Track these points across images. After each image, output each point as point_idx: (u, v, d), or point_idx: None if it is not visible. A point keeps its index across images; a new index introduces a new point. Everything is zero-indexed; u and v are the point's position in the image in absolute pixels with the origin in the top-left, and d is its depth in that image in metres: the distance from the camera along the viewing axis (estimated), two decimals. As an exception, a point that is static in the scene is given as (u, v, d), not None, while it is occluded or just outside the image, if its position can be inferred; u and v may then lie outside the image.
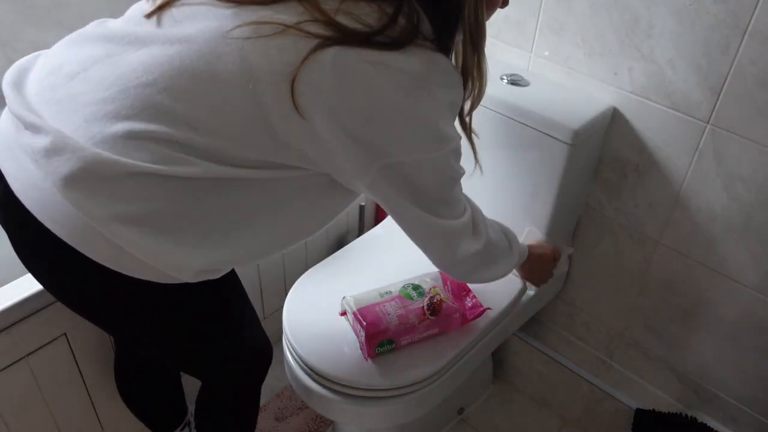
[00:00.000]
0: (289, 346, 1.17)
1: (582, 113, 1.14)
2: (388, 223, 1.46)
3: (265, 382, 1.63)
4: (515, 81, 1.21)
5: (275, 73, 0.71)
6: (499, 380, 1.68)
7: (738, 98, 1.03)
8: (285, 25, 0.71)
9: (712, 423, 1.33)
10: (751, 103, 1.02)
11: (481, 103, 1.19)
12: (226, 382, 1.10)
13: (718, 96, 1.05)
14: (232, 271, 1.00)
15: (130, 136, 0.73)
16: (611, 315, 1.43)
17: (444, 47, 0.80)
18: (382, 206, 0.88)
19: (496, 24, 1.29)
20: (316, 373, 1.11)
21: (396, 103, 0.75)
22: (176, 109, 0.73)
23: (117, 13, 0.85)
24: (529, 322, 1.49)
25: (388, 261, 1.34)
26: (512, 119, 1.17)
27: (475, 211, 0.98)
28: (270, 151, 0.76)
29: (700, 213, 1.17)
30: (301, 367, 1.14)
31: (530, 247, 1.18)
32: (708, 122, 1.08)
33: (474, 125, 1.11)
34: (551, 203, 1.19)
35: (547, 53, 1.24)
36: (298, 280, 1.28)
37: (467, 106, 0.89)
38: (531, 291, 1.30)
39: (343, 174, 0.81)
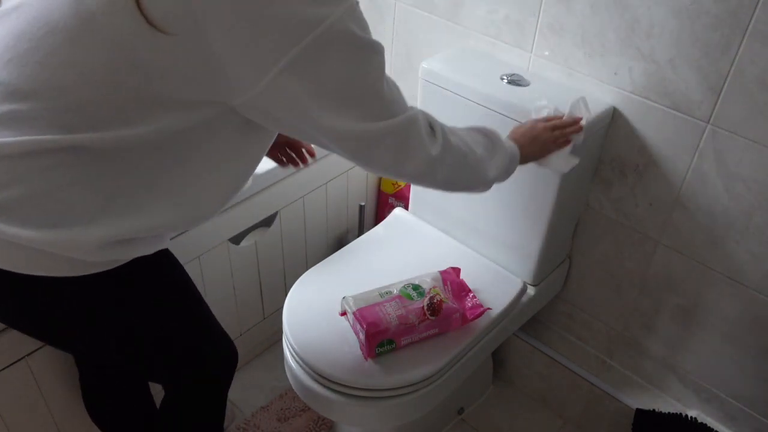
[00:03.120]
0: (289, 346, 1.17)
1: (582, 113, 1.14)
2: (388, 223, 1.46)
3: (267, 383, 1.64)
4: (515, 81, 1.21)
5: (111, 1, 0.65)
6: (499, 380, 1.68)
7: (738, 98, 1.03)
8: None
9: (712, 423, 1.33)
10: (751, 103, 1.02)
11: (481, 102, 1.20)
12: (190, 381, 1.05)
13: (718, 96, 1.05)
14: (180, 269, 0.96)
15: None
16: (611, 315, 1.43)
17: None
18: (286, 129, 0.77)
19: (496, 24, 1.29)
20: (316, 373, 1.11)
21: None
22: (20, 79, 0.68)
23: None
24: (529, 322, 1.49)
25: (388, 261, 1.34)
26: (512, 119, 1.17)
27: (427, 114, 0.88)
28: (146, 91, 0.69)
29: (700, 213, 1.17)
30: (301, 367, 1.14)
31: (515, 138, 1.05)
32: (708, 122, 1.08)
33: (474, 125, 1.09)
34: (551, 203, 1.19)
35: (547, 53, 1.24)
36: (298, 280, 1.28)
37: None
38: (531, 291, 1.29)
39: (236, 91, 0.70)
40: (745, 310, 1.20)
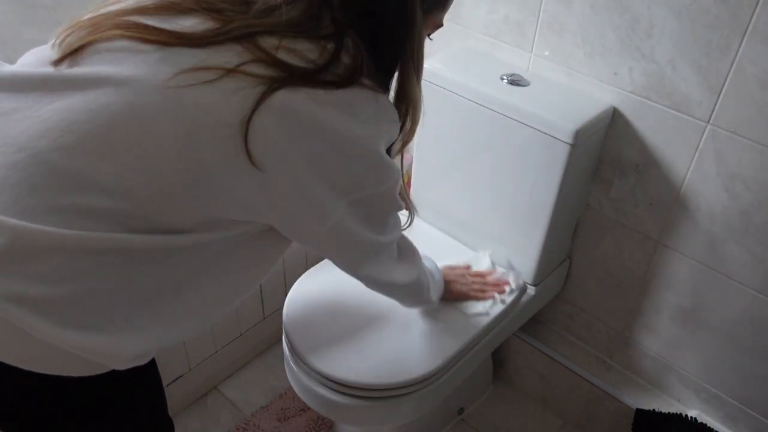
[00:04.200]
0: (289, 346, 1.17)
1: (582, 113, 1.14)
2: (388, 223, 1.46)
3: (267, 383, 1.64)
4: (515, 81, 1.21)
5: (221, 125, 0.65)
6: (499, 380, 1.68)
7: (738, 98, 1.03)
8: (226, 69, 0.65)
9: (712, 423, 1.33)
10: (751, 103, 1.02)
11: (481, 103, 1.20)
12: None
13: (718, 96, 1.05)
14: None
15: (51, 210, 0.64)
16: (611, 315, 1.43)
17: (383, 85, 0.78)
18: (325, 251, 0.90)
19: (496, 24, 1.29)
20: (316, 373, 1.11)
21: (349, 144, 0.72)
22: (99, 173, 0.65)
23: None
24: (529, 322, 1.49)
25: (388, 261, 1.34)
26: (512, 119, 1.17)
27: (410, 245, 1.05)
28: (209, 209, 0.70)
29: (700, 213, 1.17)
30: (301, 368, 1.14)
31: (445, 276, 1.22)
32: (708, 122, 1.08)
33: (474, 125, 1.10)
34: (551, 203, 1.19)
35: (547, 53, 1.24)
36: (298, 280, 1.28)
37: (399, 143, 0.87)
38: (531, 291, 1.29)
39: (293, 223, 0.77)
40: (745, 310, 1.20)
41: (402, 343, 1.15)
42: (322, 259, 1.34)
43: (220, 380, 1.64)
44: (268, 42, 0.68)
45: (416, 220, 1.45)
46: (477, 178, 1.31)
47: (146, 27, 0.69)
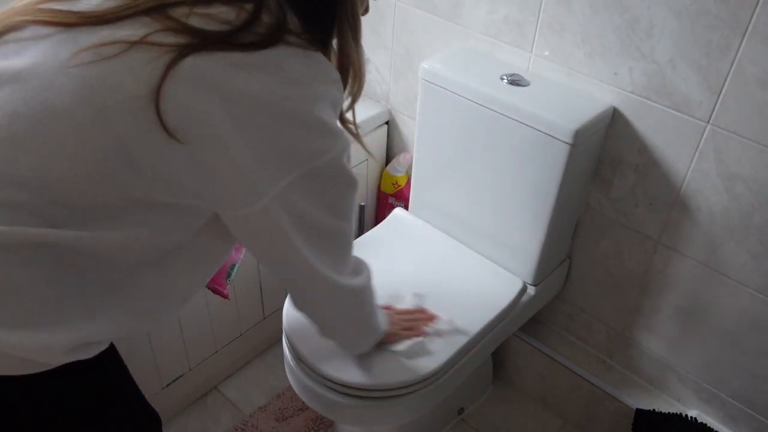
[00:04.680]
0: (289, 346, 1.17)
1: (582, 113, 1.14)
2: (388, 223, 1.46)
3: (267, 383, 1.64)
4: (515, 81, 1.21)
5: (130, 98, 0.62)
6: (499, 380, 1.68)
7: (738, 98, 1.03)
8: (131, 42, 0.62)
9: (712, 423, 1.33)
10: (751, 103, 1.02)
11: (481, 103, 1.20)
12: None
13: (718, 96, 1.05)
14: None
15: None
16: (611, 315, 1.43)
17: (320, 44, 0.72)
18: (262, 246, 0.79)
19: (496, 24, 1.29)
20: (316, 373, 1.11)
21: (277, 108, 0.66)
22: (14, 167, 0.64)
23: None
24: (529, 322, 1.49)
25: (388, 261, 1.34)
26: (512, 119, 1.17)
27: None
28: (137, 191, 0.66)
29: (700, 213, 1.17)
30: (301, 368, 1.14)
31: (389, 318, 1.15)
32: (708, 122, 1.08)
33: (474, 125, 1.09)
34: (551, 203, 1.19)
35: (547, 53, 1.24)
36: (298, 280, 1.27)
37: (347, 102, 0.81)
38: (531, 291, 1.29)
39: (231, 204, 0.71)
40: (745, 310, 1.20)
41: (402, 343, 1.15)
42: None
43: (220, 380, 1.64)
44: (179, 11, 0.64)
45: (416, 219, 1.46)
46: (477, 178, 1.31)
47: (51, 11, 0.66)
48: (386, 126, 1.67)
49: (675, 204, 1.20)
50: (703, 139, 1.10)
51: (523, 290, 1.30)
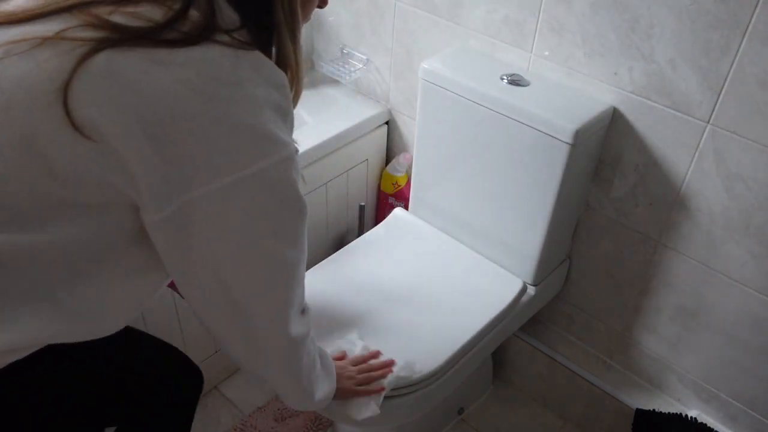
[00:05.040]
0: (289, 346, 1.16)
1: (582, 113, 1.14)
2: (388, 223, 1.46)
3: (264, 383, 1.64)
4: (515, 81, 1.21)
5: (37, 93, 0.59)
6: (499, 380, 1.68)
7: (738, 98, 1.03)
8: (43, 38, 0.60)
9: (712, 423, 1.33)
10: (751, 103, 1.02)
11: (481, 102, 1.20)
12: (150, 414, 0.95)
13: (718, 96, 1.05)
14: None
15: None
16: (611, 315, 1.43)
17: (259, 43, 0.68)
18: (179, 266, 0.70)
19: (495, 24, 1.29)
20: (316, 373, 1.10)
21: (199, 109, 0.61)
22: None
23: None
24: (529, 322, 1.49)
25: (388, 261, 1.34)
26: (512, 119, 1.17)
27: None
28: (56, 191, 0.63)
29: (700, 213, 1.17)
30: (301, 367, 1.14)
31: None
32: (708, 122, 1.08)
33: (474, 125, 1.08)
34: (551, 203, 1.19)
35: (547, 53, 1.24)
36: (298, 280, 1.27)
37: None
38: (531, 291, 1.29)
39: (144, 207, 0.65)
40: (745, 310, 1.20)
41: (402, 344, 1.15)
42: (322, 259, 1.34)
43: (220, 380, 1.64)
44: (103, 9, 0.62)
45: (416, 219, 1.46)
46: (477, 178, 1.31)
47: None
48: (386, 126, 1.67)
49: (675, 204, 1.20)
50: (703, 139, 1.10)
51: (523, 290, 1.30)
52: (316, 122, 1.56)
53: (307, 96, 1.68)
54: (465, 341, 1.17)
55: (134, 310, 0.79)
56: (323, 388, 0.92)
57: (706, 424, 1.31)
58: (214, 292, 0.71)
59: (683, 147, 1.13)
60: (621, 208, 1.28)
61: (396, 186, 1.69)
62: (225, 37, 0.64)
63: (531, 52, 1.27)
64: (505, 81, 1.22)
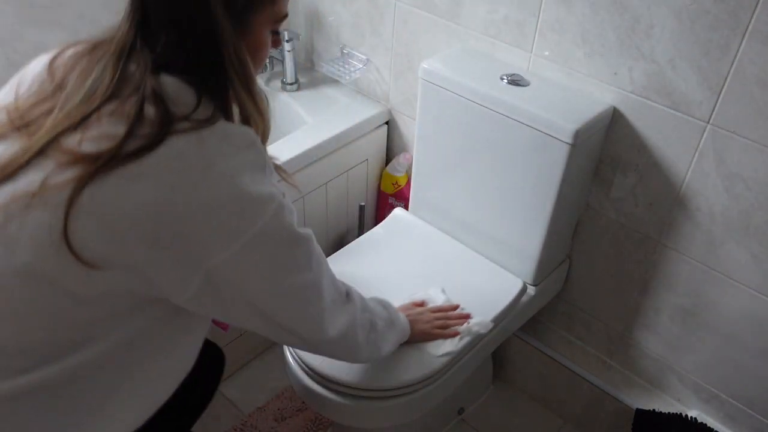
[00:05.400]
0: (290, 347, 1.17)
1: (582, 113, 1.14)
2: (388, 223, 1.46)
3: (267, 383, 1.64)
4: (515, 81, 1.21)
5: (44, 247, 0.65)
6: (499, 380, 1.68)
7: (738, 98, 1.03)
8: (31, 194, 0.65)
9: (712, 423, 1.33)
10: (751, 103, 1.02)
11: (481, 102, 1.20)
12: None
13: (718, 96, 1.05)
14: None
15: None
16: (611, 315, 1.43)
17: (219, 110, 0.72)
18: (232, 319, 0.79)
19: (495, 24, 1.29)
20: (317, 374, 1.11)
21: (183, 203, 0.66)
22: None
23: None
24: (529, 322, 1.49)
25: (388, 261, 1.34)
26: (512, 119, 1.17)
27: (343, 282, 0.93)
28: (88, 314, 0.69)
29: (700, 213, 1.17)
30: (302, 368, 1.14)
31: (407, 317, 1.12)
32: (708, 122, 1.08)
33: (474, 125, 1.08)
34: (551, 203, 1.19)
35: (547, 53, 1.24)
36: (298, 280, 1.27)
37: None
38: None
39: (170, 296, 0.72)
40: (745, 310, 1.20)
41: (403, 343, 1.15)
42: (322, 259, 1.34)
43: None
44: (71, 140, 0.66)
45: (416, 219, 1.46)
46: (477, 178, 1.31)
47: None
48: (386, 126, 1.67)
49: (675, 204, 1.20)
50: (703, 139, 1.10)
51: (523, 290, 1.30)
52: (316, 122, 1.56)
53: (307, 96, 1.68)
54: (465, 341, 1.17)
55: (196, 352, 0.87)
56: (389, 340, 1.03)
57: (706, 424, 1.31)
58: (257, 322, 0.79)
59: (683, 147, 1.13)
60: (621, 208, 1.28)
61: (396, 186, 1.69)
62: (185, 124, 0.67)
63: (531, 52, 1.27)
64: (505, 81, 1.22)
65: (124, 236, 0.65)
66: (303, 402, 1.56)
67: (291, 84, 1.68)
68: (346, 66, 1.64)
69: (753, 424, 1.30)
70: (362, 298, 0.96)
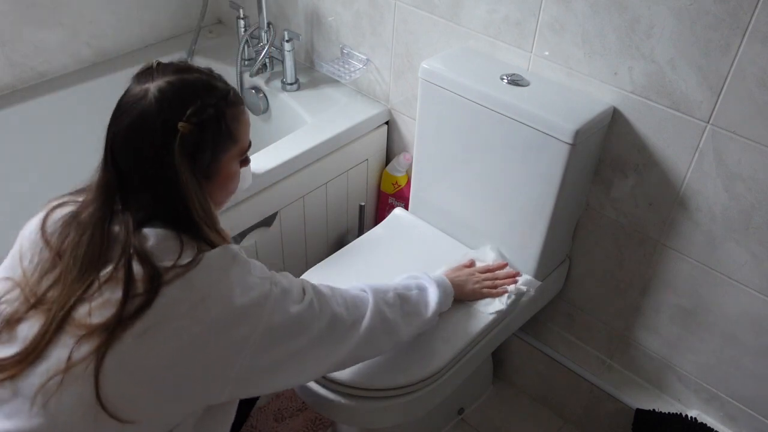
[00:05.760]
0: (289, 346, 1.16)
1: (582, 113, 1.14)
2: (388, 223, 1.46)
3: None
4: (515, 81, 1.21)
5: (83, 416, 0.73)
6: (499, 380, 1.68)
7: (738, 98, 1.03)
8: (62, 371, 0.73)
9: (712, 423, 1.33)
10: (751, 103, 1.02)
11: (481, 102, 1.20)
12: None
13: (718, 96, 1.05)
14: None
15: None
16: (611, 315, 1.43)
17: (203, 243, 0.81)
18: (277, 385, 0.88)
19: (495, 24, 1.29)
20: (316, 373, 1.10)
21: (194, 337, 0.76)
22: None
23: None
24: (529, 322, 1.49)
25: (388, 261, 1.34)
26: (512, 119, 1.17)
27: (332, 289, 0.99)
28: None
29: (700, 213, 1.17)
30: (301, 367, 1.14)
31: (452, 278, 1.19)
32: (708, 122, 1.08)
33: (474, 125, 1.08)
34: (551, 203, 1.19)
35: (547, 53, 1.24)
36: (298, 280, 1.27)
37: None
38: (531, 291, 1.29)
39: (210, 399, 0.82)
40: (745, 310, 1.20)
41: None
42: (322, 258, 1.34)
43: (220, 380, 1.64)
44: (81, 312, 0.75)
45: (416, 219, 1.46)
46: (477, 178, 1.31)
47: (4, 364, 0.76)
48: (386, 126, 1.67)
49: (675, 204, 1.20)
50: (703, 139, 1.10)
51: (523, 290, 1.30)
52: (316, 122, 1.56)
53: (307, 96, 1.68)
54: (465, 341, 1.17)
55: (232, 415, 0.93)
56: (434, 300, 1.09)
57: (706, 424, 1.31)
58: (295, 383, 0.91)
59: (683, 147, 1.13)
60: (621, 208, 1.28)
61: (396, 186, 1.69)
62: (172, 273, 0.76)
63: (531, 52, 1.27)
64: (505, 81, 1.22)
65: (148, 389, 0.75)
66: (303, 402, 1.56)
67: (291, 84, 1.68)
68: (346, 66, 1.64)
69: (753, 424, 1.30)
70: (376, 291, 1.01)
